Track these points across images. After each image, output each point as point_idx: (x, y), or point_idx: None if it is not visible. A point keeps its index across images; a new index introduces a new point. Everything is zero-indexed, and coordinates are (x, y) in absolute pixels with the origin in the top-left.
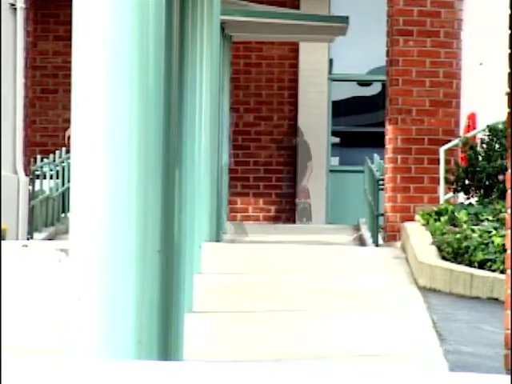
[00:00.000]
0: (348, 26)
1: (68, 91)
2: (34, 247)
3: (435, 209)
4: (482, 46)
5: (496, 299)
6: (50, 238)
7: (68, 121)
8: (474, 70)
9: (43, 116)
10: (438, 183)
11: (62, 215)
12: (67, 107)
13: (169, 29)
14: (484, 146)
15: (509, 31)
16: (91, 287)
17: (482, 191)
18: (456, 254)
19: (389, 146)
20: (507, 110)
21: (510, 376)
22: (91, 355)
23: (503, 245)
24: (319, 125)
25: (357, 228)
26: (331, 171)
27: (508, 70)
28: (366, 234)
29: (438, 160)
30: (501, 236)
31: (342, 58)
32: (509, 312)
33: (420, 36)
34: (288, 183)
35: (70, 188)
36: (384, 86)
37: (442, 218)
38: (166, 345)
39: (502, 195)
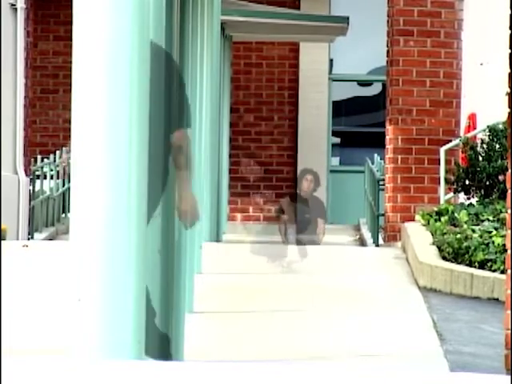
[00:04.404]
0: (348, 26)
1: (68, 91)
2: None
3: (435, 209)
4: (483, 46)
5: (496, 299)
6: (50, 238)
7: (68, 121)
8: (475, 70)
9: (43, 116)
10: (439, 183)
11: (63, 215)
12: (67, 107)
13: (169, 29)
14: (484, 146)
15: (509, 31)
16: (91, 287)
17: (482, 191)
18: (456, 254)
19: (389, 146)
20: (507, 110)
21: (510, 376)
22: (91, 355)
23: (503, 245)
24: (319, 125)
25: (357, 228)
26: (331, 171)
27: (508, 70)
28: (367, 234)
29: (439, 160)
30: (501, 236)
31: (343, 58)
32: (509, 312)
33: (420, 36)
34: (288, 183)
35: (71, 188)
36: (384, 86)
37: (443, 218)
38: (166, 345)
39: (503, 195)
